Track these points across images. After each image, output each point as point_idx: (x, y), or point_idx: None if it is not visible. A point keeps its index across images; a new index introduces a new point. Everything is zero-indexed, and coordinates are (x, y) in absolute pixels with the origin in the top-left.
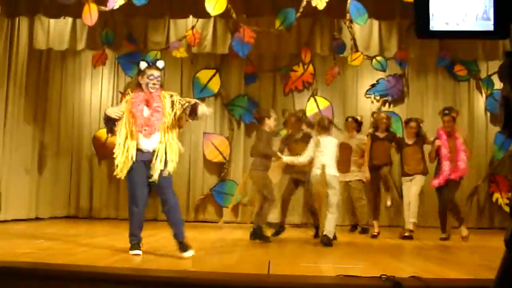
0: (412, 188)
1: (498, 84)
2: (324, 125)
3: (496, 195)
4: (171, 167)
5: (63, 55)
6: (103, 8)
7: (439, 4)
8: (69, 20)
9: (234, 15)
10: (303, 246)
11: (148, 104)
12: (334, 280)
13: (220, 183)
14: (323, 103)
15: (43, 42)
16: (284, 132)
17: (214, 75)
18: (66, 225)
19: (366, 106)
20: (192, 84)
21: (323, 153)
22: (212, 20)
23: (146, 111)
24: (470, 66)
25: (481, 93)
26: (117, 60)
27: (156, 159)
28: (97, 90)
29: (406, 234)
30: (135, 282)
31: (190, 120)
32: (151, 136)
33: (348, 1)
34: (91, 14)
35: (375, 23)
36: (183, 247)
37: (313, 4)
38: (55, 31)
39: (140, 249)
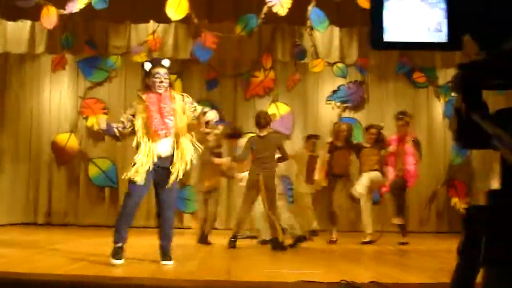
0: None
1: None
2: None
3: (455, 200)
4: (174, 178)
5: (22, 59)
6: (62, 11)
7: (393, 16)
8: (28, 23)
9: (195, 20)
10: (264, 253)
11: (159, 106)
12: (294, 286)
13: (181, 188)
14: (283, 109)
15: (0, 45)
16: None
17: (175, 80)
18: (23, 232)
19: (327, 113)
20: None
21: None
22: (173, 25)
23: (158, 113)
24: (428, 73)
25: (439, 99)
26: (77, 64)
27: (172, 166)
28: (56, 95)
29: (367, 239)
30: None
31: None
32: (165, 141)
33: (309, 8)
34: (50, 17)
35: (336, 30)
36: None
37: (274, 10)
38: (13, 34)
39: (122, 258)
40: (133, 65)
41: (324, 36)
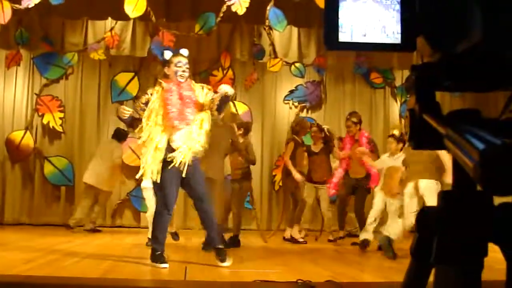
0: (322, 203)
1: None
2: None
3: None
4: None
5: None
6: (17, 6)
7: (348, 16)
8: None
9: (153, 18)
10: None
11: (180, 95)
12: (251, 286)
13: (137, 187)
14: (241, 108)
15: None
16: None
17: (132, 78)
18: None
19: (285, 112)
20: (110, 87)
21: None
22: (131, 22)
23: (178, 103)
24: (385, 74)
25: (396, 100)
26: (32, 60)
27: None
28: (10, 92)
29: (330, 238)
30: None
31: (216, 114)
32: (183, 131)
33: (268, 8)
34: (3, 12)
35: (294, 30)
36: (218, 253)
37: (233, 9)
38: None
39: (166, 262)
40: (90, 62)
41: (282, 35)
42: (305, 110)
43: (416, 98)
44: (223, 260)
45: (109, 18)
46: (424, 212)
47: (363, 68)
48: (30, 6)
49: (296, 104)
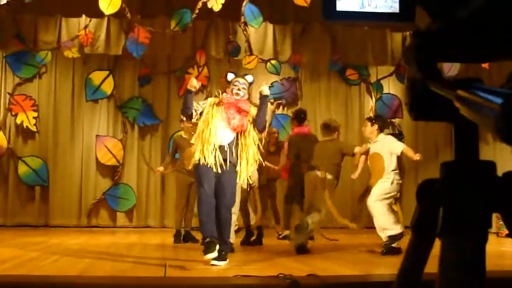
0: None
1: (387, 88)
2: None
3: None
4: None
5: None
6: None
7: None
8: None
9: (128, 15)
10: (201, 249)
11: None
12: (231, 281)
13: (113, 186)
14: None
15: None
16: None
17: (107, 77)
18: None
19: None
20: (85, 85)
21: None
22: (105, 20)
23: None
24: (360, 71)
25: (371, 96)
26: (5, 59)
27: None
28: None
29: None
30: None
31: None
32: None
33: (243, 4)
34: None
35: (270, 26)
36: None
37: (209, 5)
38: None
39: (215, 250)
40: (64, 61)
41: (258, 32)
42: (281, 107)
43: (418, 66)
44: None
45: (83, 16)
46: (425, 184)
47: (338, 64)
48: (1, 3)
49: (272, 101)
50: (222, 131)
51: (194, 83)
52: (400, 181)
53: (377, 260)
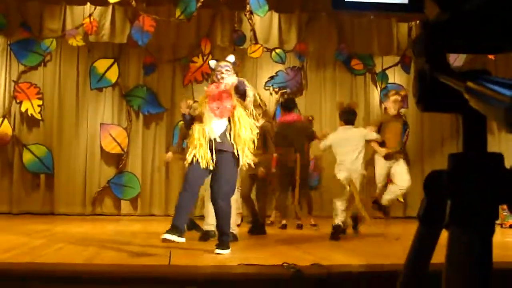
0: None
1: (392, 78)
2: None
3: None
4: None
5: None
6: None
7: None
8: None
9: (133, 3)
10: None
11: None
12: (236, 269)
13: (118, 175)
14: None
15: None
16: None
17: (112, 65)
18: None
19: (265, 98)
20: (89, 73)
21: None
22: (110, 8)
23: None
24: (366, 61)
25: (376, 86)
26: (9, 47)
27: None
28: None
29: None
30: (30, 276)
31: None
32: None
33: None
34: None
35: (275, 15)
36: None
37: None
38: None
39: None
40: (69, 49)
41: (263, 21)
42: (285, 96)
43: (427, 58)
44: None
45: (88, 4)
46: (432, 176)
47: (343, 54)
48: None
49: (276, 90)
50: (211, 123)
51: (183, 108)
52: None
53: (381, 250)
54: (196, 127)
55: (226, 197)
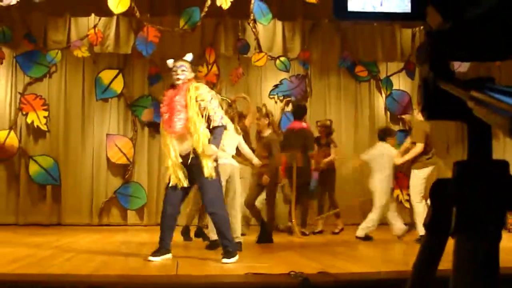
0: None
1: (396, 85)
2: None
3: (397, 192)
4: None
5: None
6: None
7: None
8: None
9: (137, 14)
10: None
11: (171, 101)
12: (243, 278)
13: (124, 185)
14: (227, 104)
15: None
16: None
17: (117, 75)
18: None
19: (270, 106)
20: (95, 84)
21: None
22: (115, 18)
23: (168, 111)
24: (370, 67)
25: (381, 93)
26: (15, 59)
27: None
28: None
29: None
30: None
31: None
32: (178, 137)
33: (252, 1)
34: None
35: (279, 23)
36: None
37: (218, 3)
38: None
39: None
40: (74, 60)
41: (267, 30)
42: (290, 104)
43: (431, 66)
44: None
45: (92, 15)
46: (438, 184)
47: (347, 61)
48: (12, 3)
49: (281, 98)
50: (175, 141)
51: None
52: None
53: (388, 257)
54: (162, 143)
55: (214, 204)
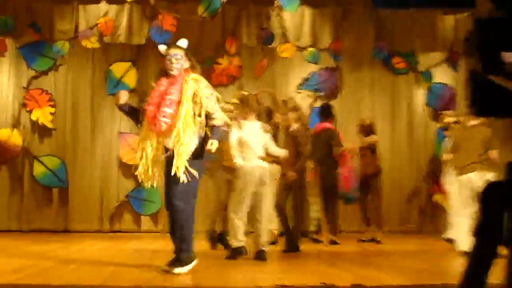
0: None
1: (438, 77)
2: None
3: (437, 197)
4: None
5: None
6: None
7: None
8: None
9: (152, 1)
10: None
11: (162, 93)
12: None
13: (137, 188)
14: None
15: None
16: None
17: (129, 68)
18: None
19: (297, 102)
20: (105, 78)
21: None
22: (127, 6)
23: (156, 103)
24: (408, 58)
25: (420, 87)
26: (18, 50)
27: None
28: None
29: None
30: None
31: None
32: (165, 132)
33: None
34: None
35: (307, 10)
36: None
37: None
38: None
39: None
40: (82, 51)
41: (294, 17)
42: (319, 100)
43: (480, 57)
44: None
45: (103, 2)
46: (489, 187)
47: (383, 52)
48: None
49: (309, 93)
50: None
51: (117, 96)
52: None
53: (427, 267)
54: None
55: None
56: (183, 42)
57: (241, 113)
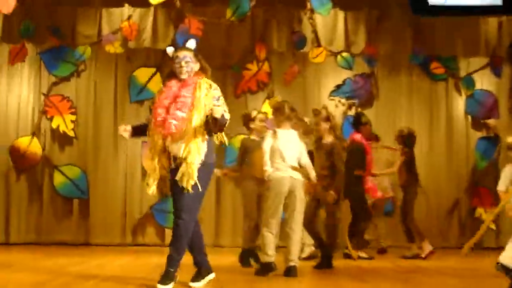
0: None
1: (479, 84)
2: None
3: (479, 211)
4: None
5: None
6: None
7: None
8: None
9: (178, 4)
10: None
11: (174, 96)
12: None
13: (161, 200)
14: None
15: None
16: None
17: (154, 74)
18: None
19: (330, 110)
20: (129, 84)
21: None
22: (152, 9)
23: (165, 106)
24: (448, 64)
25: (461, 93)
26: (39, 56)
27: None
28: (14, 92)
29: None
30: None
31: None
32: (172, 138)
33: None
34: (7, 1)
35: (340, 14)
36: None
37: None
38: None
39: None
40: (105, 57)
41: (326, 21)
42: (353, 108)
43: None
44: None
45: (126, 5)
46: None
47: (421, 57)
48: None
49: (343, 101)
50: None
51: (123, 134)
52: None
53: (469, 286)
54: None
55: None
56: (191, 43)
57: (275, 121)
